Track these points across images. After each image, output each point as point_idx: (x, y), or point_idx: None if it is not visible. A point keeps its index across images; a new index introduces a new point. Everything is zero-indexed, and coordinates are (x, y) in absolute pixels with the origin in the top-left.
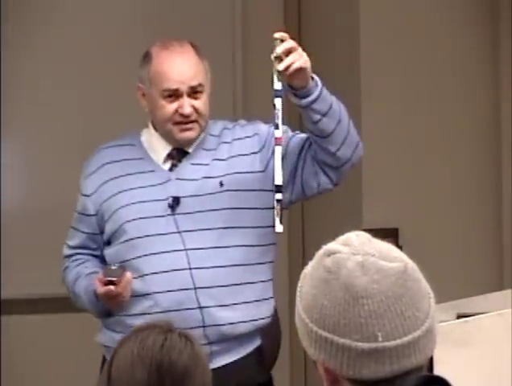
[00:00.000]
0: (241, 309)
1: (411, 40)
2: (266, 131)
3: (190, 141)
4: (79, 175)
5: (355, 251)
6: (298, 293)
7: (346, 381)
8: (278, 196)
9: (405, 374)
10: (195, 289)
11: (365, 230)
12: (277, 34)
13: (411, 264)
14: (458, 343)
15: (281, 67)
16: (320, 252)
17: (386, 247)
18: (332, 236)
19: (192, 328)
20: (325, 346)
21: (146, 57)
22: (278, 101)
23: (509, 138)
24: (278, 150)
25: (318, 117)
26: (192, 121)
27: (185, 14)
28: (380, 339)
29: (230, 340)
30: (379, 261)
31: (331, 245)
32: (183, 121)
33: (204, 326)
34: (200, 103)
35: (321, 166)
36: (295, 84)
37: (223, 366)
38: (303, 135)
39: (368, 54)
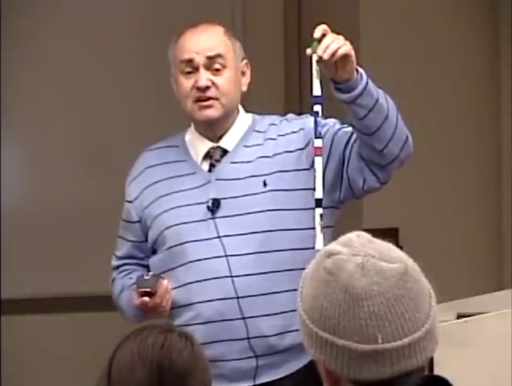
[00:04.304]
0: (289, 317)
1: (411, 42)
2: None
3: (212, 122)
4: (79, 175)
5: (355, 252)
6: (299, 294)
7: (347, 382)
8: (320, 211)
9: (405, 375)
10: (237, 298)
11: (365, 230)
12: (317, 33)
13: (412, 265)
14: (458, 343)
15: (326, 55)
16: (321, 252)
17: (387, 247)
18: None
19: (236, 340)
20: (326, 348)
21: (175, 39)
22: (318, 109)
23: (509, 138)
24: (319, 161)
25: (364, 112)
26: (211, 98)
27: (185, 14)
28: (380, 341)
29: (278, 354)
30: (379, 262)
31: (331, 246)
32: (201, 97)
33: (248, 338)
34: (221, 80)
35: (367, 164)
36: (339, 76)
37: (269, 383)
38: (350, 129)
39: (368, 53)
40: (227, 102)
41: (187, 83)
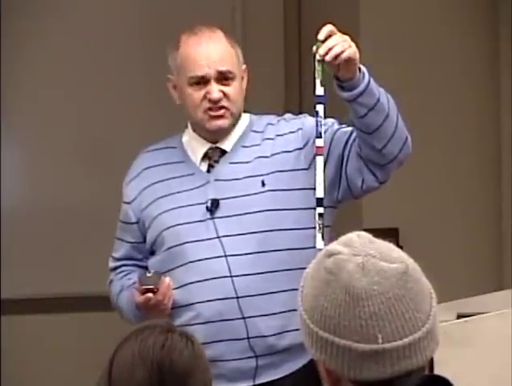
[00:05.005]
0: (288, 317)
1: (411, 42)
2: (311, 125)
3: (222, 131)
4: (79, 175)
5: (356, 252)
6: (300, 294)
7: (347, 382)
8: (320, 210)
9: (406, 375)
10: (237, 298)
11: (365, 230)
12: (321, 34)
13: (413, 265)
14: (458, 343)
15: (328, 57)
16: (321, 252)
17: (387, 247)
18: (332, 237)
19: (235, 340)
20: (326, 347)
21: (174, 44)
22: (320, 108)
23: (509, 138)
24: (320, 161)
25: (364, 110)
26: (222, 107)
27: (185, 14)
28: (380, 341)
29: (278, 353)
30: (380, 262)
31: (332, 246)
32: (213, 107)
33: (248, 338)
34: (231, 89)
35: (366, 163)
36: (341, 75)
37: (268, 382)
38: (349, 128)
39: (367, 53)
40: (236, 111)
41: (196, 94)
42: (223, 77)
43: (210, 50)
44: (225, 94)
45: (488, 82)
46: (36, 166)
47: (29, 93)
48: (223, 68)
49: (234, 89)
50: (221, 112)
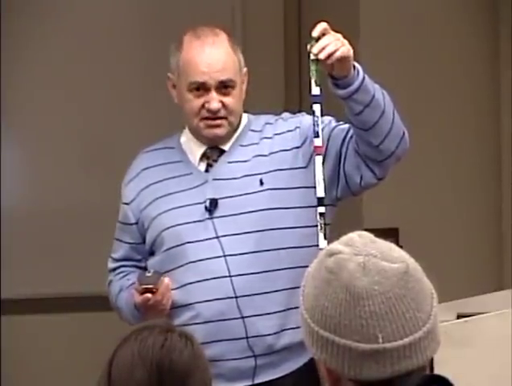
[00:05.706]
0: (286, 317)
1: (411, 42)
2: (309, 123)
3: (218, 139)
4: (79, 175)
5: (357, 251)
6: (301, 293)
7: (347, 382)
8: (321, 210)
9: (406, 375)
10: (236, 297)
11: (365, 230)
12: (315, 32)
13: (413, 265)
14: (458, 343)
15: (322, 55)
16: (323, 252)
17: (389, 247)
18: (333, 236)
19: (234, 340)
20: (326, 347)
21: (177, 45)
22: (317, 108)
23: (509, 138)
24: (319, 160)
25: (360, 107)
26: (220, 118)
27: (185, 14)
28: (380, 340)
29: (277, 353)
30: (381, 262)
31: (333, 245)
32: (211, 116)
33: (247, 338)
34: (230, 99)
35: (364, 160)
36: (336, 73)
37: (267, 382)
38: (346, 125)
39: (367, 53)
40: (234, 120)
41: (196, 102)
42: (223, 86)
43: (212, 57)
44: (224, 104)
45: (488, 82)
46: (36, 166)
47: (29, 93)
48: (224, 78)
49: (234, 98)
50: (219, 122)
